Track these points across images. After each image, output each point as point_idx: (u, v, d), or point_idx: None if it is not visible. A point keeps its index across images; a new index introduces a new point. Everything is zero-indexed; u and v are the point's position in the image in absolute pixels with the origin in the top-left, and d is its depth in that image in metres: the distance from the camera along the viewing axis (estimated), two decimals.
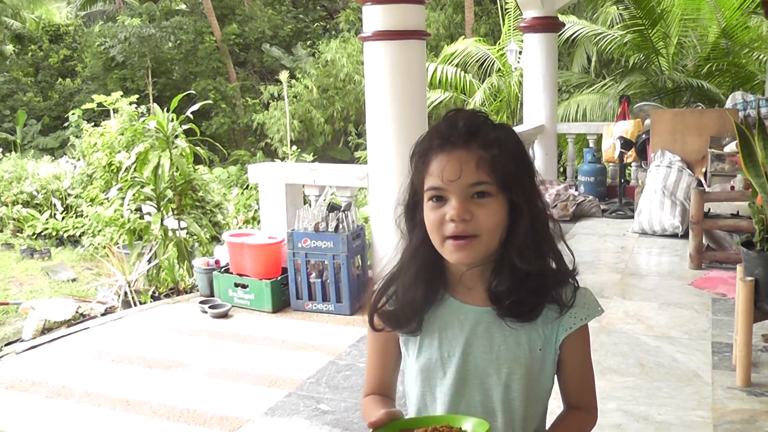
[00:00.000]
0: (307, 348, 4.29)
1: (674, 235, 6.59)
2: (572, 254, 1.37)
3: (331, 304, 4.81)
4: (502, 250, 1.29)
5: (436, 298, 1.35)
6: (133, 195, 6.65)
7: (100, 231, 8.91)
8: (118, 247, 7.17)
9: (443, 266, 1.34)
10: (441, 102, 12.00)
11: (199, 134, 7.37)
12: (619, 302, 4.80)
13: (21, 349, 4.40)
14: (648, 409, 3.37)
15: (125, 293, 5.79)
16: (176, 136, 6.84)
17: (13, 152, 15.16)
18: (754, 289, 3.60)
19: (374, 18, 4.75)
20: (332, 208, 4.82)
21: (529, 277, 1.29)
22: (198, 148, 7.10)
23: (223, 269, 5.13)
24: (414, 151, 1.33)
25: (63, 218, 10.83)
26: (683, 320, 4.53)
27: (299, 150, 13.81)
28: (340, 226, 4.74)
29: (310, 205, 5.11)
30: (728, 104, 7.45)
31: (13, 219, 10.87)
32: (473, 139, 1.26)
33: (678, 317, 4.58)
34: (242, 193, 11.16)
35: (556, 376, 1.38)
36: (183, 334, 4.64)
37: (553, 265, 1.33)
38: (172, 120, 6.76)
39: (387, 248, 4.90)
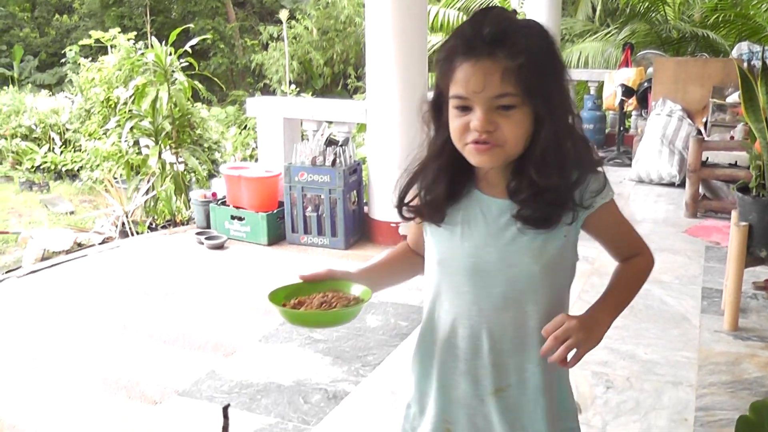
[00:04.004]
0: None
1: (671, 184, 6.60)
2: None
3: (326, 238, 4.84)
4: (523, 159, 1.28)
5: (462, 192, 1.36)
6: (131, 128, 6.63)
7: (98, 165, 8.90)
8: (116, 182, 7.17)
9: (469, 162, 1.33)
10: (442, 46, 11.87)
11: (197, 69, 7.30)
12: None
13: (22, 273, 4.45)
14: (635, 349, 3.43)
15: (123, 224, 5.81)
16: (174, 71, 6.78)
17: (10, 86, 15.01)
18: (747, 235, 3.62)
19: None
20: (330, 142, 4.81)
21: (548, 190, 1.26)
22: (196, 82, 7.04)
23: (219, 202, 5.14)
24: (439, 54, 1.29)
25: (61, 152, 10.80)
26: (675, 266, 4.57)
27: (298, 90, 13.70)
28: (338, 161, 4.74)
29: (307, 140, 5.10)
30: (734, 54, 7.39)
31: (12, 152, 10.84)
32: (499, 47, 1.20)
33: (670, 263, 4.62)
34: (240, 132, 11.10)
35: (601, 245, 1.43)
36: (179, 263, 4.68)
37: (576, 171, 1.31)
38: (171, 54, 6.70)
39: (384, 186, 4.91)
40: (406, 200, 1.41)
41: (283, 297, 1.37)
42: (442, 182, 1.34)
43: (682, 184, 6.25)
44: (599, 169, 1.34)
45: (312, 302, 1.34)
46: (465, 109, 1.24)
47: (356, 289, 1.37)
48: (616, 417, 2.86)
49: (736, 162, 5.70)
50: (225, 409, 1.90)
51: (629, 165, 7.18)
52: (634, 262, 1.43)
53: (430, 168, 1.36)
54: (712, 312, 3.87)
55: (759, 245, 3.64)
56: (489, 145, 1.24)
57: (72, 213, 8.56)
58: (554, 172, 1.26)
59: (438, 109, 1.33)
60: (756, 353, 3.41)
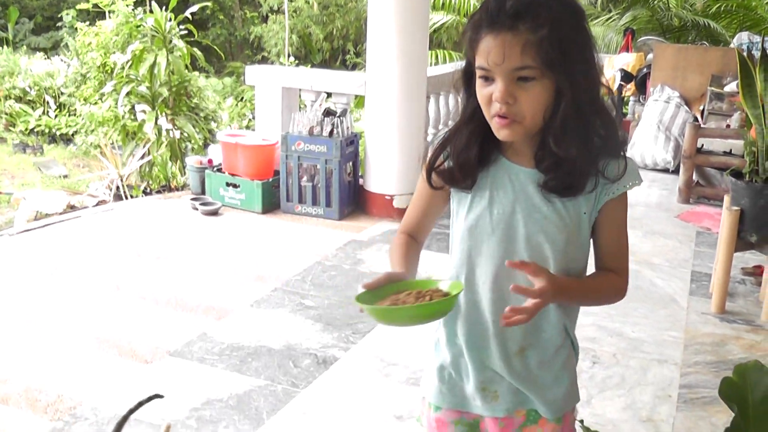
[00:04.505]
0: (295, 248, 4.35)
1: (665, 170, 6.63)
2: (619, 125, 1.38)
3: (321, 208, 4.86)
4: (544, 130, 1.31)
5: (490, 159, 1.39)
6: (128, 93, 6.59)
7: (93, 130, 8.85)
8: (112, 147, 7.14)
9: None
10: (443, 25, 11.83)
11: (197, 36, 7.26)
12: None
13: (15, 231, 4.45)
14: (622, 327, 3.47)
15: (117, 188, 5.81)
16: (173, 38, 6.73)
17: (5, 47, 14.87)
18: (738, 219, 3.66)
19: None
20: (328, 113, 4.81)
21: (568, 161, 1.30)
22: (195, 49, 7.01)
23: (215, 168, 5.14)
24: (466, 26, 1.33)
25: (56, 116, 10.74)
26: (666, 249, 4.61)
27: (297, 63, 13.62)
28: (335, 132, 4.75)
29: (305, 110, 5.10)
30: (734, 44, 7.40)
31: (6, 113, 10.77)
32: (521, 21, 1.22)
33: (661, 246, 4.66)
34: (237, 104, 11.06)
35: (591, 239, 1.42)
36: (173, 227, 4.69)
37: (601, 140, 1.33)
38: (170, 20, 6.66)
39: (381, 159, 4.92)
40: (435, 165, 1.43)
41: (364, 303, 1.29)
42: (474, 147, 1.38)
43: (676, 171, 6.28)
44: (623, 153, 1.36)
45: (407, 301, 1.28)
46: (488, 79, 1.28)
47: (443, 285, 1.33)
48: (602, 391, 2.90)
49: (730, 150, 5.73)
50: (149, 398, 1.93)
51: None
52: (611, 277, 1.43)
53: (462, 133, 1.39)
54: (700, 295, 3.91)
55: (750, 230, 3.68)
56: (508, 121, 1.28)
57: (66, 177, 8.53)
58: (573, 144, 1.29)
59: (468, 78, 1.36)
60: (741, 335, 3.46)
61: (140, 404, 1.91)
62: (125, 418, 1.86)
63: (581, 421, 1.14)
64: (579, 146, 1.29)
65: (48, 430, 2.49)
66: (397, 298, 1.28)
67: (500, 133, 1.30)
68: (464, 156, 1.38)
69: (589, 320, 3.47)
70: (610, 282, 1.42)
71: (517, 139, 1.32)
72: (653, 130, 6.70)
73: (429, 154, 1.45)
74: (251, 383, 2.83)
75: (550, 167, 1.31)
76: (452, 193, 1.44)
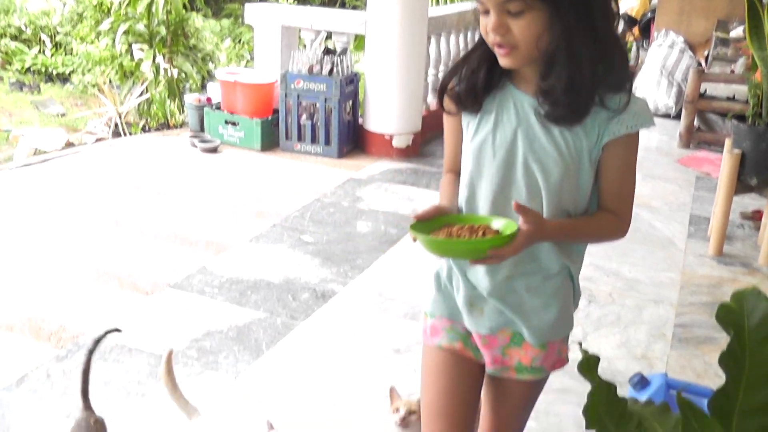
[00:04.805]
0: (294, 186, 4.35)
1: (666, 116, 6.59)
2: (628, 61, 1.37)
3: (320, 146, 4.84)
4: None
5: (498, 84, 1.41)
6: (125, 31, 6.51)
7: (89, 70, 8.76)
8: (110, 85, 7.07)
9: None
10: None
11: None
12: None
13: (15, 166, 4.44)
14: (619, 267, 3.49)
15: (116, 125, 5.77)
16: None
17: None
18: (739, 162, 3.65)
19: None
20: (327, 51, 4.76)
21: (557, 89, 1.30)
22: None
23: (214, 107, 5.10)
24: None
25: (52, 55, 10.60)
26: (665, 193, 4.61)
27: (296, 3, 13.41)
28: (335, 70, 4.70)
29: (305, 49, 5.03)
30: None
31: (1, 51, 10.63)
32: None
33: (660, 189, 4.66)
34: (234, 46, 10.92)
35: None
36: (172, 164, 4.67)
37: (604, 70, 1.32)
38: None
39: (380, 98, 4.88)
40: (447, 89, 1.45)
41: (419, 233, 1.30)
42: (482, 71, 1.40)
43: (677, 116, 6.23)
44: (627, 87, 1.34)
45: (462, 234, 1.29)
46: (486, 12, 1.31)
47: (496, 223, 1.33)
48: (597, 329, 2.93)
49: (734, 96, 5.68)
50: (106, 333, 1.94)
51: None
52: (608, 218, 1.40)
53: (472, 58, 1.42)
54: (699, 238, 3.93)
55: (750, 173, 3.67)
56: (506, 49, 1.30)
57: (63, 115, 8.46)
58: (563, 75, 1.29)
59: None
60: (737, 278, 3.49)
61: (98, 341, 1.93)
62: (88, 361, 1.89)
63: (579, 344, 1.15)
64: (571, 77, 1.29)
65: (52, 357, 2.52)
66: (450, 231, 1.30)
67: (502, 61, 1.33)
68: (472, 80, 1.40)
69: (586, 260, 3.40)
70: (606, 224, 1.41)
71: (519, 66, 1.33)
72: (656, 75, 6.64)
73: (444, 79, 1.47)
74: (251, 315, 2.86)
75: (542, 94, 1.33)
76: (462, 117, 1.46)
